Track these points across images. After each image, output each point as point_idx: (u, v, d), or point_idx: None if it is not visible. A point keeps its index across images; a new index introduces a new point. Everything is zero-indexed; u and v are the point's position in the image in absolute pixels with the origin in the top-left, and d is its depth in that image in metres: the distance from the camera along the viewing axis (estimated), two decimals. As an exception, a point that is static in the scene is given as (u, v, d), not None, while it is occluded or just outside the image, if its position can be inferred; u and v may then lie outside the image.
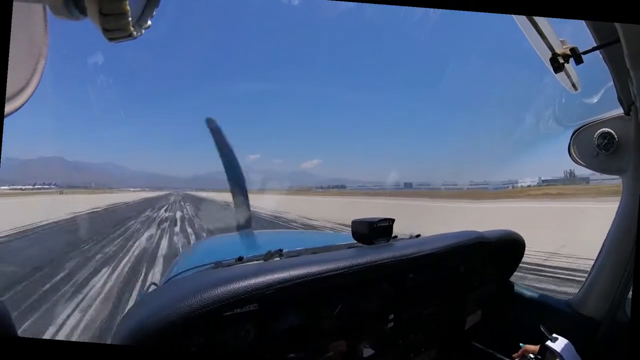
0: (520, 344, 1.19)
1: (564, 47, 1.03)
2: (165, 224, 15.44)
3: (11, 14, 0.45)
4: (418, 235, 1.62)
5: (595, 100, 1.30)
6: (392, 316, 1.23)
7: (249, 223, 2.36)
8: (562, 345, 1.09)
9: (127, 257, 8.51)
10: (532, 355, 1.12)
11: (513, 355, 1.18)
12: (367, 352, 1.13)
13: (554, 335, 1.12)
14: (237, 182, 2.20)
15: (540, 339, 1.12)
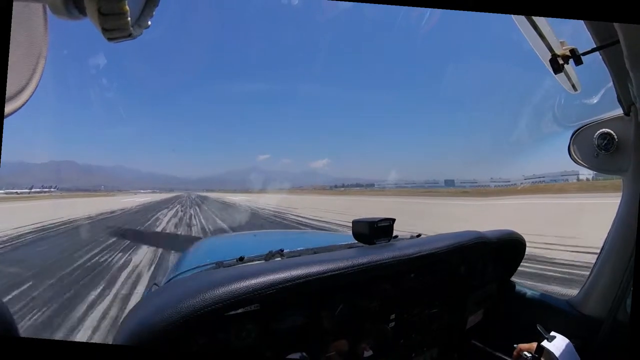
0: (514, 345, 1.19)
1: (563, 48, 1.03)
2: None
3: (11, 13, 0.45)
4: (419, 235, 1.62)
5: (595, 101, 1.30)
6: (393, 316, 1.23)
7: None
8: (559, 344, 1.09)
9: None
10: (528, 354, 1.12)
11: (515, 351, 1.18)
12: (368, 351, 1.13)
13: (552, 334, 1.12)
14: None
15: (539, 339, 1.12)
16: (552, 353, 1.06)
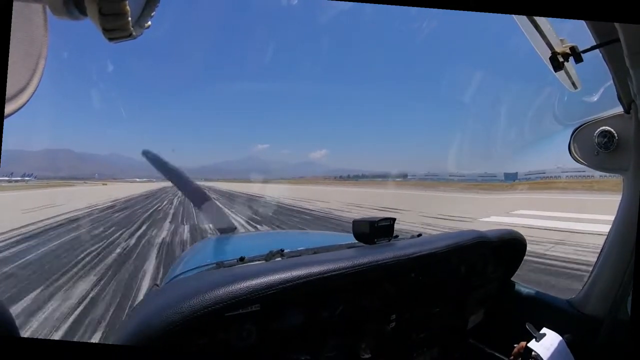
0: (514, 345, 1.19)
1: (563, 45, 1.03)
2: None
3: (11, 14, 0.45)
4: (419, 235, 1.62)
5: (595, 99, 1.30)
6: (394, 316, 1.22)
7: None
8: (547, 343, 1.08)
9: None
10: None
11: (512, 352, 1.18)
12: (369, 352, 1.13)
13: (542, 332, 1.12)
14: (194, 194, 2.32)
15: (530, 338, 1.12)
16: (538, 354, 1.06)
